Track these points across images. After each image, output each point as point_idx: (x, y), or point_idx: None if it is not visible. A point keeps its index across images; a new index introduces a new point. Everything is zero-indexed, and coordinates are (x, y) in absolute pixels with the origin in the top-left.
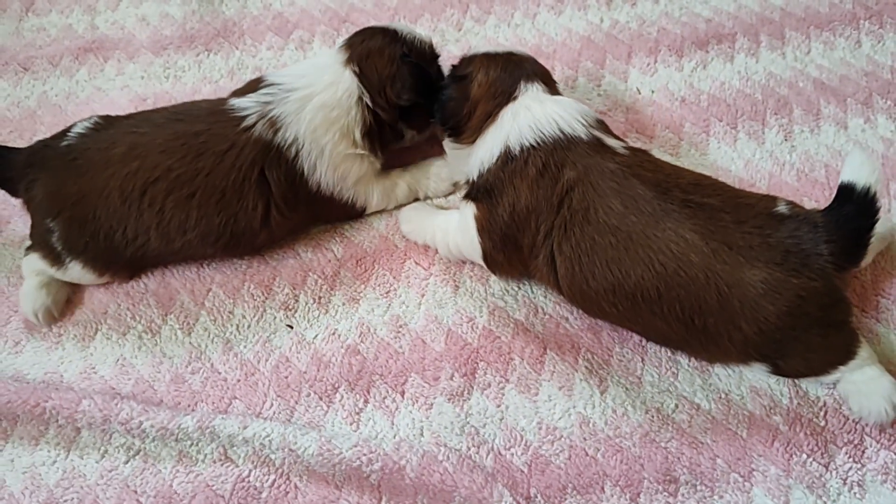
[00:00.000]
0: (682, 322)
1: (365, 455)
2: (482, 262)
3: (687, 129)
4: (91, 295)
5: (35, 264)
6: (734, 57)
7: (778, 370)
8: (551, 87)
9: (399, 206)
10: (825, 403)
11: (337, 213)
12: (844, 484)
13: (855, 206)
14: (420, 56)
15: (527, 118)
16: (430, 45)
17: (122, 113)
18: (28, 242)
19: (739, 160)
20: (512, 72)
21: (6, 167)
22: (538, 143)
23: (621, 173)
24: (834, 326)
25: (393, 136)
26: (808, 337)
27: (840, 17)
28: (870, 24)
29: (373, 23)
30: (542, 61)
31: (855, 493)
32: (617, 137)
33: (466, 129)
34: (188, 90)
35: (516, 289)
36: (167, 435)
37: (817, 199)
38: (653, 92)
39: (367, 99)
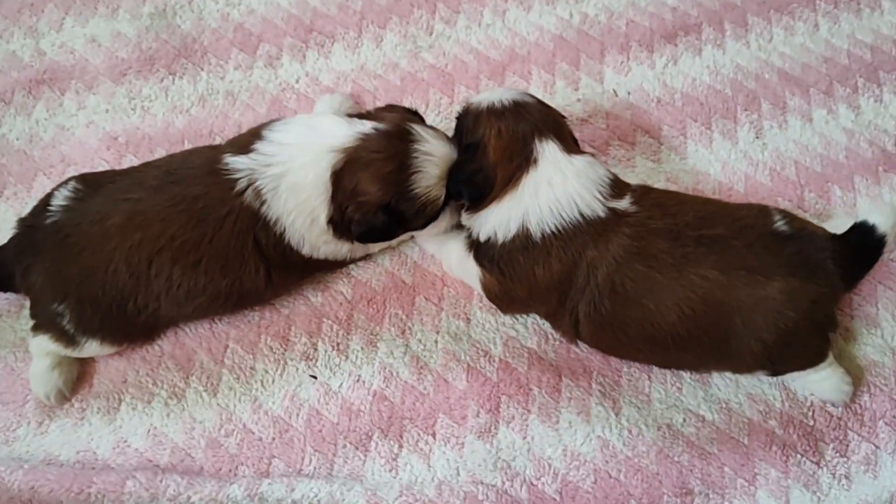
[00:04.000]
0: (709, 350)
1: (410, 503)
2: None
3: (665, 133)
4: (106, 364)
5: (46, 346)
6: (702, 49)
7: (775, 372)
8: (565, 139)
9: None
10: (812, 403)
11: (337, 266)
12: (834, 478)
13: (872, 247)
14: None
15: (548, 198)
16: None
17: (93, 154)
18: (31, 321)
19: (717, 162)
20: (524, 128)
21: None
22: (559, 231)
23: (636, 235)
24: (826, 330)
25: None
26: (808, 339)
27: None
28: (825, 5)
29: (339, 30)
30: (518, 66)
31: (843, 486)
32: (625, 188)
33: (489, 197)
34: (160, 123)
35: (525, 317)
36: None
37: (790, 198)
38: (629, 93)
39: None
